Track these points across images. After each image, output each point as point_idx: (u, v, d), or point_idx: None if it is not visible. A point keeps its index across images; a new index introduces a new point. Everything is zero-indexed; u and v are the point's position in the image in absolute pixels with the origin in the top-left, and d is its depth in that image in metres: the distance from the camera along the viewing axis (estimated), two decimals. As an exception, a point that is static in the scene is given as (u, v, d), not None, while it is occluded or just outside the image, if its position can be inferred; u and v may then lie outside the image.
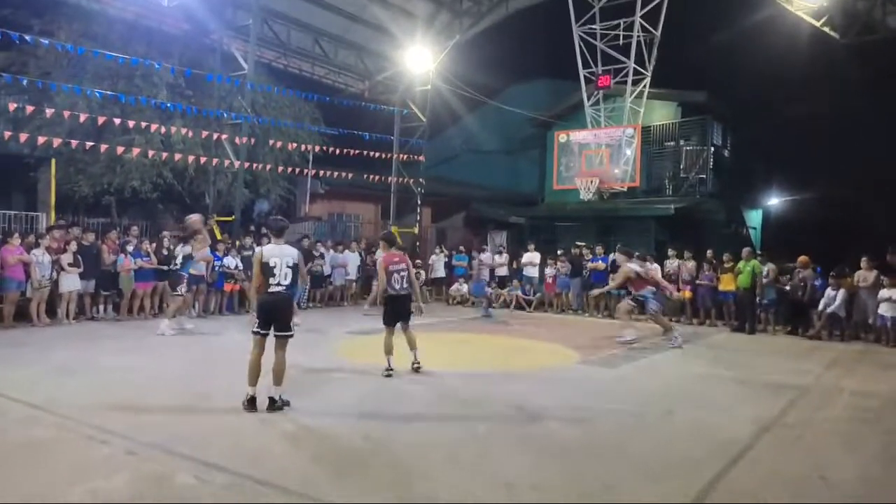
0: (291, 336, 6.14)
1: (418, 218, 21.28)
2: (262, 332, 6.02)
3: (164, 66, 14.88)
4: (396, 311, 7.85)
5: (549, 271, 16.26)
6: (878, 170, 23.07)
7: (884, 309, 11.86)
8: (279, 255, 6.07)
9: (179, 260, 10.86)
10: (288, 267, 6.06)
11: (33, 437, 5.05)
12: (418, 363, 7.85)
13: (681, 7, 19.22)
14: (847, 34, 15.41)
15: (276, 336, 6.04)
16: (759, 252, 13.71)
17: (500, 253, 18.07)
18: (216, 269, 13.22)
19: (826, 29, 15.52)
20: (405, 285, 7.85)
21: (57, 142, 12.78)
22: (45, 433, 5.16)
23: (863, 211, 24.76)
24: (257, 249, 6.32)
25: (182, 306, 11.24)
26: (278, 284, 6.01)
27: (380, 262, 8.01)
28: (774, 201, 27.04)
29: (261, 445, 4.98)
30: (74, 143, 13.03)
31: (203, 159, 15.24)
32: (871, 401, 7.22)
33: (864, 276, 12.36)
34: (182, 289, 10.82)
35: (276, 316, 6.02)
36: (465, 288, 17.35)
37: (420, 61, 19.51)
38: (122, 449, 4.80)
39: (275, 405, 5.91)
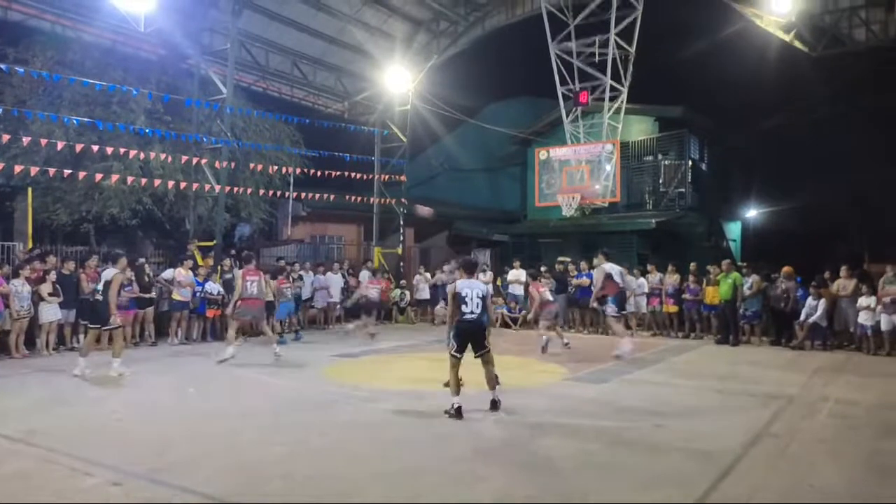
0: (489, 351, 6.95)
1: (401, 238, 21.25)
2: (459, 355, 6.83)
3: (142, 91, 14.79)
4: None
5: (546, 291, 16.26)
6: (854, 179, 23.54)
7: (863, 317, 12.03)
8: (469, 287, 6.89)
9: (101, 287, 9.03)
10: (479, 297, 6.86)
11: (14, 470, 4.92)
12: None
13: (654, 24, 19.57)
14: (815, 48, 15.75)
15: (477, 356, 6.88)
16: (744, 264, 13.86)
17: (483, 271, 18.06)
18: (197, 294, 13.06)
19: (795, 43, 15.85)
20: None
21: (34, 170, 12.63)
22: (26, 465, 5.03)
23: (840, 220, 25.22)
24: (451, 286, 7.12)
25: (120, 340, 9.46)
26: (471, 313, 6.80)
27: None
28: (753, 213, 27.39)
29: (249, 472, 4.90)
30: (52, 171, 12.86)
31: (183, 184, 15.12)
32: (855, 408, 7.28)
33: (844, 284, 12.54)
34: (115, 319, 8.98)
35: (472, 339, 6.86)
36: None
37: (399, 82, 19.62)
38: (108, 480, 4.69)
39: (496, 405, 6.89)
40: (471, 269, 7.15)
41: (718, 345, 13.09)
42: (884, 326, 11.71)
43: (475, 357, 6.90)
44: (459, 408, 6.64)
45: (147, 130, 14.54)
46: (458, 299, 6.85)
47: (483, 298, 6.94)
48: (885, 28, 14.94)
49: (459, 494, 4.48)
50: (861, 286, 12.29)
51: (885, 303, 11.66)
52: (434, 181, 29.40)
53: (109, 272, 8.93)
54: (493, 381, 6.96)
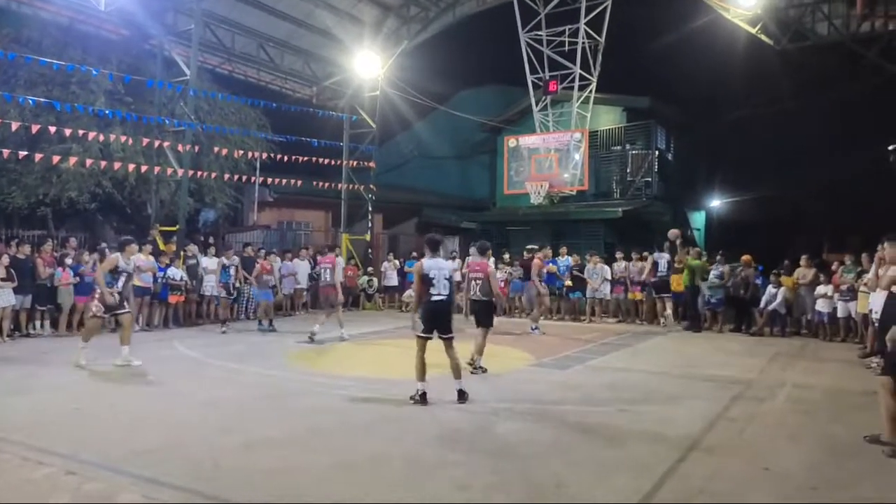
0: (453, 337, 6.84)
1: (370, 225, 21.12)
2: (426, 335, 6.74)
3: (102, 72, 14.39)
4: (474, 312, 8.80)
5: (500, 275, 16.32)
6: (816, 171, 24.09)
7: (820, 305, 12.36)
8: (437, 267, 6.79)
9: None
10: (445, 279, 6.78)
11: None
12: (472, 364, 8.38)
13: (624, 14, 19.66)
14: (780, 41, 16.00)
15: (441, 338, 6.76)
16: (719, 252, 14.13)
17: (452, 258, 18.05)
18: (160, 280, 12.81)
19: (761, 36, 16.09)
20: (478, 293, 8.61)
21: (-13, 152, 12.21)
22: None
23: (801, 210, 25.83)
24: (417, 263, 7.02)
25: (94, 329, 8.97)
26: (439, 294, 6.71)
27: (465, 268, 9.02)
28: (717, 203, 27.88)
29: (206, 459, 4.81)
30: (6, 152, 12.43)
31: (144, 168, 14.77)
32: (811, 393, 7.47)
33: (804, 273, 12.84)
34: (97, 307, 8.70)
35: (439, 321, 6.75)
36: None
37: (368, 67, 19.40)
38: (62, 469, 4.57)
39: (463, 396, 6.70)
40: (435, 247, 7.03)
41: (685, 331, 13.25)
42: (840, 314, 12.04)
43: (442, 339, 6.78)
44: (424, 394, 6.59)
45: (107, 112, 14.16)
46: (426, 280, 6.73)
47: (449, 279, 6.87)
48: (846, 23, 15.24)
49: (424, 481, 4.47)
50: (819, 275, 12.62)
51: (841, 291, 11.97)
52: (403, 168, 29.28)
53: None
54: (458, 369, 6.79)
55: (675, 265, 14.03)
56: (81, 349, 8.54)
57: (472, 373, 8.12)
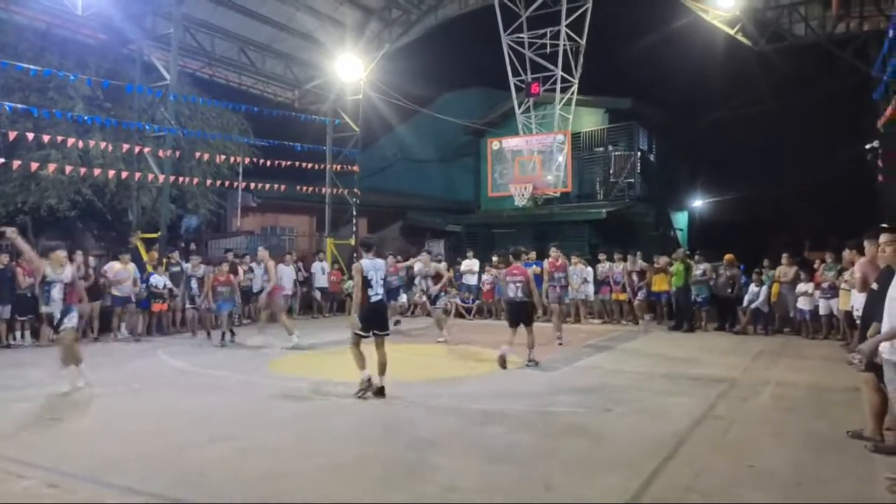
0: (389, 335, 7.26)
1: (354, 229, 21.05)
2: (364, 334, 7.03)
3: (80, 77, 14.21)
4: (513, 314, 9.39)
5: (486, 278, 16.34)
6: (796, 170, 24.40)
7: (802, 302, 12.50)
8: (374, 268, 7.07)
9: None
10: (381, 279, 7.14)
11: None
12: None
13: (604, 16, 19.82)
14: (759, 42, 16.19)
15: (377, 335, 7.06)
16: (698, 252, 14.20)
17: (437, 261, 18.01)
18: (142, 288, 12.66)
19: (740, 37, 16.27)
20: (520, 294, 9.16)
21: (-37, 159, 12.02)
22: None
23: (782, 210, 26.14)
24: (357, 263, 7.22)
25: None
26: (377, 294, 7.05)
27: (503, 273, 9.90)
28: (699, 203, 28.14)
29: (195, 470, 4.74)
30: (-18, 159, 12.27)
31: (125, 174, 14.61)
32: (794, 390, 7.54)
33: (785, 271, 12.98)
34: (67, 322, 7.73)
35: (377, 320, 7.10)
36: (403, 298, 17.22)
37: (350, 70, 19.34)
38: (43, 481, 4.49)
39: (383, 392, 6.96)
40: (369, 248, 7.33)
41: (671, 331, 13.32)
42: (822, 311, 12.17)
43: (377, 336, 7.07)
44: (369, 378, 6.97)
45: (86, 118, 14.00)
46: (365, 281, 7.01)
47: (385, 279, 7.38)
48: (822, 24, 15.45)
49: (410, 484, 4.45)
50: (801, 273, 12.76)
51: (822, 288, 12.11)
52: (387, 171, 29.24)
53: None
54: (384, 366, 7.04)
55: (658, 265, 14.14)
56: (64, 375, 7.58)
57: (527, 365, 8.97)
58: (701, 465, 4.81)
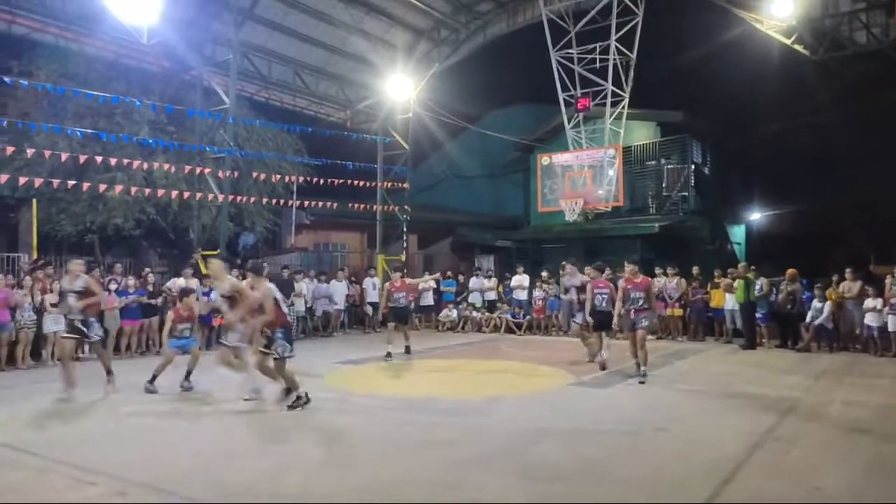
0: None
1: (405, 245, 21.28)
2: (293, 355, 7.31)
3: (145, 102, 14.92)
4: (599, 321, 10.15)
5: (538, 294, 16.25)
6: (858, 181, 23.49)
7: (869, 319, 11.98)
8: (276, 290, 7.31)
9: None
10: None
11: (15, 481, 4.93)
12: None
13: (655, 29, 19.60)
14: (817, 51, 15.76)
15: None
16: (752, 268, 13.78)
17: (488, 277, 18.08)
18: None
19: (797, 46, 15.86)
20: (604, 305, 9.99)
21: (38, 182, 12.72)
22: (28, 476, 5.04)
23: (843, 222, 25.14)
24: (266, 285, 7.29)
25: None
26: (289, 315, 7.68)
27: (589, 285, 10.40)
28: (757, 216, 27.33)
29: (247, 484, 4.89)
30: (56, 182, 12.97)
31: (186, 194, 15.21)
32: (861, 411, 7.24)
33: (849, 286, 12.48)
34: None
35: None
36: (454, 314, 17.31)
37: (401, 90, 19.69)
38: (112, 489, 4.70)
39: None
40: (261, 272, 7.54)
41: (743, 349, 12.85)
42: (891, 327, 11.65)
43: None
44: (306, 393, 7.25)
45: (150, 141, 14.65)
46: (278, 302, 7.23)
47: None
48: (885, 31, 14.94)
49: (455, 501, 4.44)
50: (867, 288, 12.25)
51: (891, 304, 11.60)
52: (437, 188, 29.46)
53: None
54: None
55: (719, 281, 13.82)
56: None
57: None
58: (759, 488, 4.67)
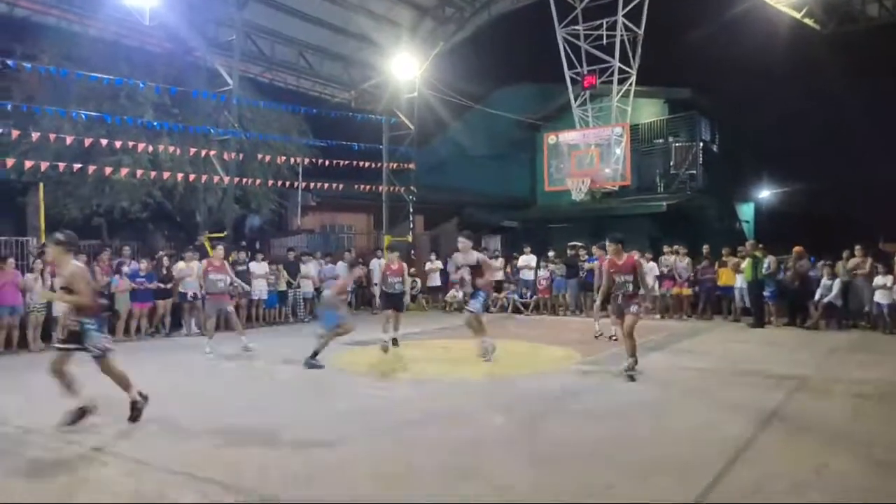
0: None
1: (411, 226, 21.23)
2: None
3: (149, 85, 14.84)
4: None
5: (542, 274, 16.24)
6: (865, 158, 23.26)
7: (879, 296, 11.92)
8: None
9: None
10: None
11: (31, 459, 4.98)
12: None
13: (662, 4, 19.32)
14: (827, 25, 15.52)
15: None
16: (760, 246, 13.70)
17: (495, 257, 18.04)
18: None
19: (807, 20, 15.60)
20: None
21: (44, 165, 12.72)
22: (41, 454, 5.09)
23: (852, 199, 24.95)
24: (74, 263, 5.98)
25: None
26: None
27: (605, 264, 8.46)
28: (766, 194, 27.15)
29: (260, 462, 4.92)
30: (62, 165, 12.97)
31: (192, 177, 15.17)
32: (869, 388, 7.21)
33: (859, 264, 12.40)
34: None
35: None
36: (460, 294, 17.28)
37: (405, 69, 19.52)
38: (123, 469, 4.73)
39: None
40: (65, 245, 5.96)
41: (752, 328, 12.79)
42: (900, 305, 11.60)
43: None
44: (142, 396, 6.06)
45: (155, 123, 14.59)
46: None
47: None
48: (898, 3, 14.68)
49: (464, 484, 4.43)
50: (877, 265, 12.17)
51: (901, 281, 11.54)
52: (443, 168, 29.33)
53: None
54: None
55: (727, 260, 13.75)
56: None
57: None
58: (767, 467, 4.66)
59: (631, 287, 7.96)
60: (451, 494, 4.25)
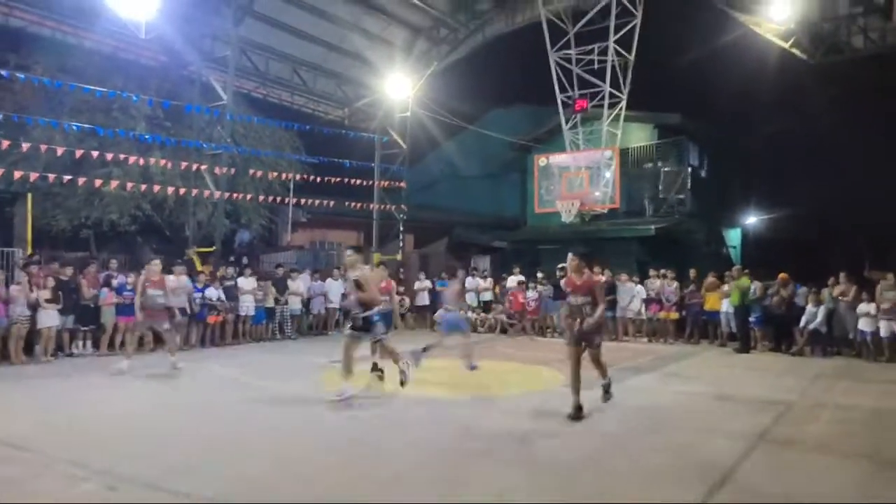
0: None
1: (401, 245, 21.26)
2: None
3: (142, 98, 14.87)
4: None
5: (531, 295, 16.25)
6: (854, 186, 23.58)
7: (863, 324, 12.01)
8: None
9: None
10: None
11: (8, 476, 4.89)
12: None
13: (653, 31, 19.63)
14: (814, 55, 15.80)
15: None
16: (745, 271, 13.81)
17: (484, 277, 18.07)
18: (197, 300, 13.04)
19: (794, 50, 15.90)
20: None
21: (34, 176, 12.65)
22: (21, 471, 5.01)
23: (840, 227, 25.22)
24: None
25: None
26: None
27: (563, 283, 7.47)
28: (752, 219, 27.40)
29: (241, 473, 4.88)
30: (52, 177, 12.91)
31: (182, 190, 15.16)
32: (854, 414, 7.27)
33: (844, 291, 12.52)
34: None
35: None
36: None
37: (399, 88, 19.68)
38: (103, 485, 4.68)
39: None
40: None
41: (738, 353, 12.82)
42: (883, 333, 11.69)
43: None
44: None
45: (147, 136, 14.60)
46: None
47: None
48: (882, 36, 15.00)
49: (455, 496, 4.46)
50: (862, 293, 12.29)
51: (883, 309, 11.65)
52: (434, 187, 29.45)
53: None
54: None
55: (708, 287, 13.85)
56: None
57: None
58: (753, 490, 4.68)
59: (588, 308, 6.88)
60: (451, 495, 4.27)
